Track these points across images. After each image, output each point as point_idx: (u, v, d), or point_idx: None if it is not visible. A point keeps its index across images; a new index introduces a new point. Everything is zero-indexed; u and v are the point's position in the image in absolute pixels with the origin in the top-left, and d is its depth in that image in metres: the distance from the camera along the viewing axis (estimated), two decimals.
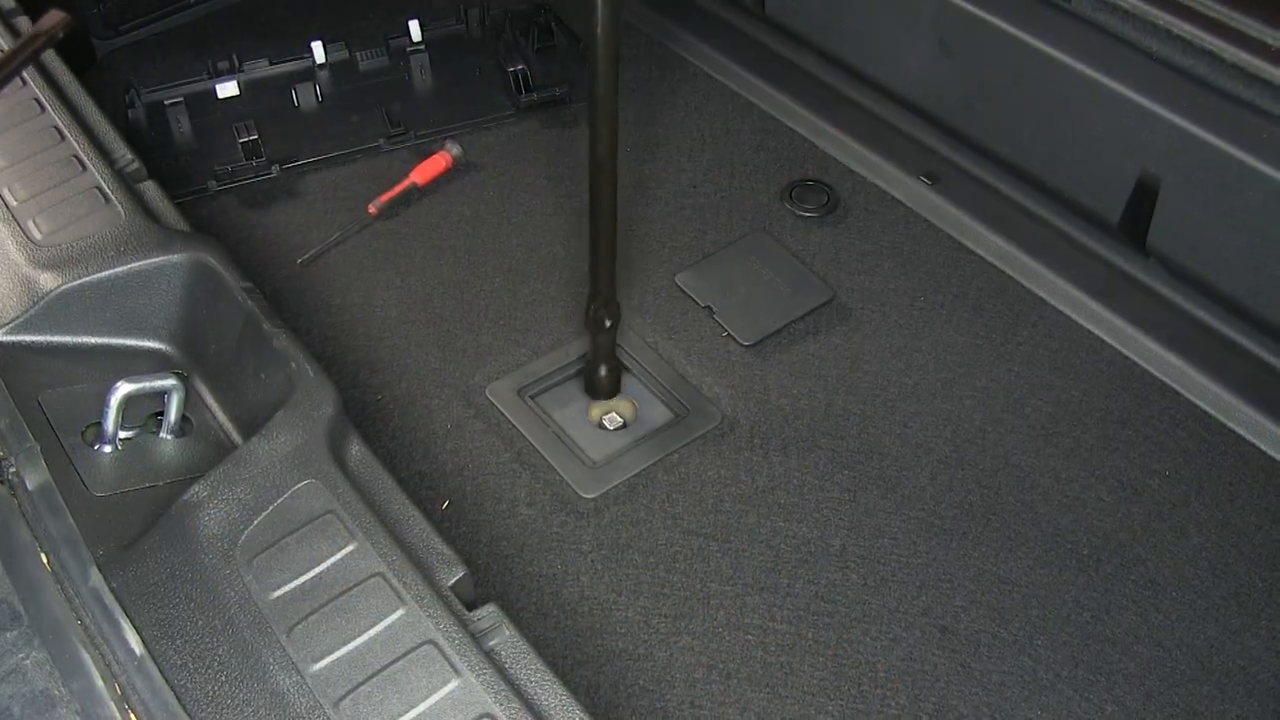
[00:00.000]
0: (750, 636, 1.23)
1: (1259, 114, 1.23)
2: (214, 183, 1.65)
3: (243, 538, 0.94)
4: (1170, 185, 1.33)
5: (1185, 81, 1.28)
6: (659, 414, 1.44)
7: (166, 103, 1.71)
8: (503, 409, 1.41)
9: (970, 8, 1.44)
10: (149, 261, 1.13)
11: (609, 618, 1.25)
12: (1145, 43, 1.30)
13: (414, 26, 1.82)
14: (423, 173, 1.66)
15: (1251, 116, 1.24)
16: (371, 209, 1.63)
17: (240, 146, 1.65)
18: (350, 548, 0.93)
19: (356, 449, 1.03)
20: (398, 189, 1.64)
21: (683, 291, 1.55)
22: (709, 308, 1.52)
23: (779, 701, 1.19)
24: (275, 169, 1.67)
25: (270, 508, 0.95)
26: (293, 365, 1.04)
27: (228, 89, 1.76)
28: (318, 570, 0.92)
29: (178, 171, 1.65)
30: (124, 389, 1.04)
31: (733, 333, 1.50)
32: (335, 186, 1.68)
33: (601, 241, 1.21)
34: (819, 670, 1.21)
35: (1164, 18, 1.27)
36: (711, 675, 1.20)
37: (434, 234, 1.62)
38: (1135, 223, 1.40)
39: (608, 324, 1.33)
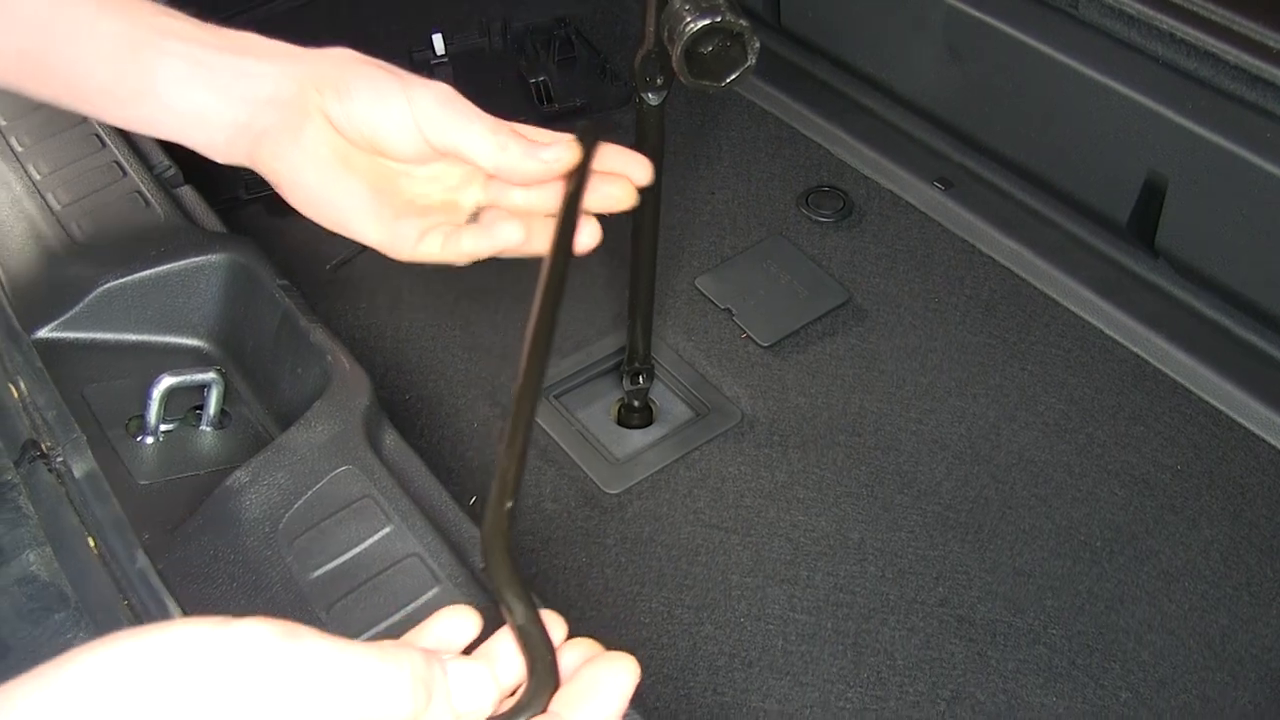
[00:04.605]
0: (771, 626, 1.26)
1: (1262, 114, 1.26)
2: (244, 191, 1.69)
3: (283, 521, 0.97)
4: (1177, 185, 1.36)
5: (1190, 84, 1.32)
6: (680, 412, 1.47)
7: None
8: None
9: (979, 15, 1.47)
10: (188, 261, 1.17)
11: (633, 609, 1.28)
12: (1150, 46, 1.34)
13: (438, 40, 1.87)
14: None
15: (1255, 117, 1.27)
16: None
17: None
18: (387, 530, 0.96)
19: (390, 438, 1.07)
20: None
21: (702, 294, 1.58)
22: (728, 310, 1.56)
23: (800, 689, 1.21)
24: None
25: (309, 492, 0.99)
26: (329, 358, 1.08)
27: None
28: (356, 551, 0.95)
29: (208, 180, 1.69)
30: (166, 381, 1.08)
31: (751, 334, 1.53)
32: None
33: (639, 313, 1.28)
34: (839, 659, 1.24)
35: (1168, 22, 1.30)
36: (734, 664, 1.23)
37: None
38: (1144, 223, 1.43)
39: (642, 380, 1.39)
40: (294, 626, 0.53)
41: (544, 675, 0.60)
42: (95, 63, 0.79)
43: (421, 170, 0.82)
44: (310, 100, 0.79)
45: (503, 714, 0.59)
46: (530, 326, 0.73)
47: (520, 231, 0.79)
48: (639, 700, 1.13)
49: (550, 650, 0.61)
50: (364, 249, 1.68)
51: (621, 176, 0.82)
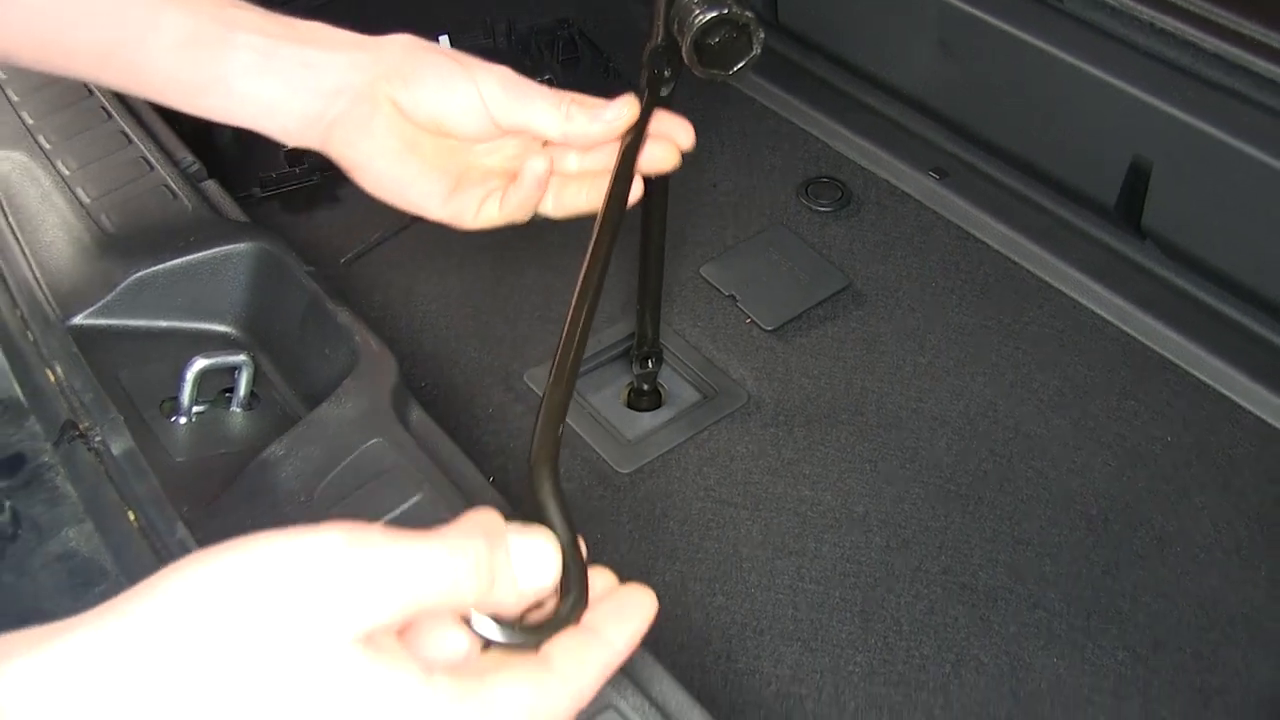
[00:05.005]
0: (781, 596, 1.31)
1: (1239, 99, 1.32)
2: (259, 189, 1.73)
3: (318, 491, 1.02)
4: (1160, 169, 1.42)
5: (1171, 71, 1.38)
6: (688, 395, 1.52)
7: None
8: (540, 393, 1.49)
9: (970, 9, 1.53)
10: (216, 250, 1.22)
11: (648, 581, 1.29)
12: (1132, 37, 1.40)
13: (444, 41, 1.92)
14: None
15: (1232, 101, 1.33)
16: None
17: (284, 155, 1.74)
18: (417, 498, 1.01)
19: (416, 414, 1.12)
20: None
21: (707, 282, 1.63)
22: (733, 296, 1.61)
23: (811, 654, 1.26)
24: (317, 176, 1.76)
25: (342, 464, 1.03)
26: (357, 339, 1.13)
27: None
28: (388, 518, 1.00)
29: (224, 179, 1.74)
30: (199, 364, 1.12)
31: (755, 318, 1.58)
32: None
33: (648, 300, 1.35)
34: (847, 625, 1.28)
35: (1148, 13, 1.37)
36: (746, 632, 1.28)
37: (470, 235, 1.70)
38: (1130, 205, 1.49)
39: (651, 364, 1.45)
40: (362, 528, 0.58)
41: (579, 594, 0.65)
42: (166, 55, 0.84)
43: (481, 145, 0.88)
44: (380, 90, 0.84)
45: (540, 624, 0.64)
46: (585, 264, 0.79)
47: (545, 162, 0.85)
48: (655, 669, 1.18)
49: (584, 571, 0.66)
50: (377, 244, 1.74)
51: (666, 138, 0.88)
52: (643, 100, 0.87)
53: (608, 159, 0.89)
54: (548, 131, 0.86)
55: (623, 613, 0.66)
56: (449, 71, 0.86)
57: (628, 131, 0.87)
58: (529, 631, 0.62)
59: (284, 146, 1.73)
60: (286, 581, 0.56)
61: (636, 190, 0.87)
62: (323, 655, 0.56)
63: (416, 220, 1.70)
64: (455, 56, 0.87)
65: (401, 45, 0.87)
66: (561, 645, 0.63)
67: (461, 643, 0.63)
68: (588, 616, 0.65)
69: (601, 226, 0.83)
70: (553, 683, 0.62)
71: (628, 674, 0.91)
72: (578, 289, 0.79)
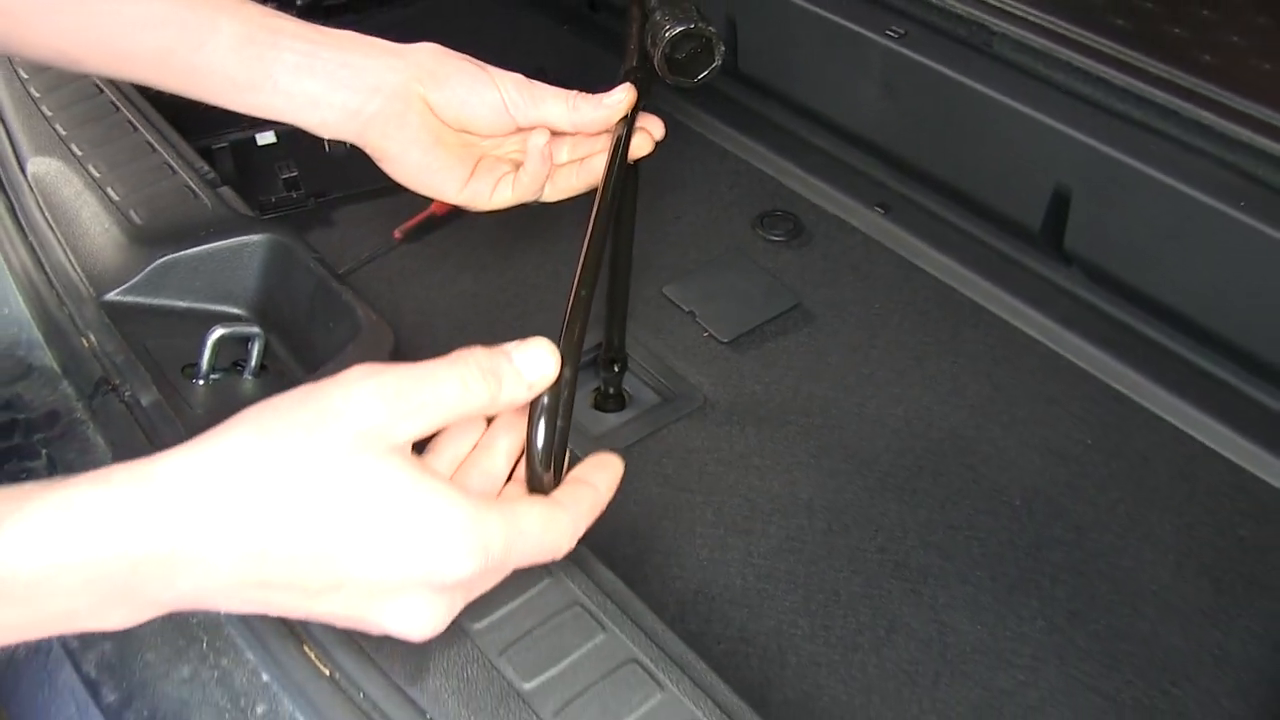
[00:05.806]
0: (731, 569, 1.44)
1: (1145, 129, 1.50)
2: (258, 212, 1.87)
3: None
4: (1079, 194, 1.59)
5: (1086, 106, 1.56)
6: (649, 398, 1.66)
7: (213, 147, 1.91)
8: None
9: (911, 54, 1.71)
10: (233, 241, 1.36)
11: (611, 555, 1.43)
12: (1053, 75, 1.58)
13: None
14: (441, 204, 1.89)
15: (1141, 132, 1.51)
16: (396, 234, 1.86)
17: (281, 181, 1.88)
18: None
19: None
20: (419, 217, 1.87)
21: (669, 300, 1.78)
22: (692, 312, 1.76)
23: (756, 619, 1.39)
24: (312, 201, 1.90)
25: None
26: (359, 312, 1.27)
27: (266, 137, 1.98)
28: None
29: None
30: (218, 332, 1.25)
31: (713, 331, 1.73)
32: (364, 217, 1.92)
33: (616, 311, 1.49)
34: (791, 595, 1.41)
35: (1066, 54, 1.56)
36: (698, 599, 1.40)
37: (452, 255, 1.86)
38: (1054, 229, 1.66)
39: (617, 369, 1.59)
40: (378, 365, 0.72)
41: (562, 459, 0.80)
42: (221, 56, 0.98)
43: (489, 140, 1.04)
44: (413, 90, 1.00)
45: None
46: (592, 214, 0.95)
47: (544, 135, 1.00)
48: (615, 629, 1.29)
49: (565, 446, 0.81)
50: (367, 261, 1.88)
51: (644, 130, 1.05)
52: (639, 87, 1.05)
53: (592, 146, 1.05)
54: (559, 124, 1.02)
55: (602, 466, 0.82)
56: (474, 75, 1.01)
57: (619, 123, 1.03)
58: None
59: (281, 174, 1.89)
60: (328, 410, 0.70)
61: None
62: (374, 469, 0.70)
63: (404, 240, 1.87)
64: (476, 63, 1.03)
65: (430, 51, 1.03)
66: (562, 490, 0.79)
67: (468, 441, 0.78)
68: (576, 471, 0.81)
69: (601, 197, 0.99)
70: (558, 510, 0.77)
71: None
72: (590, 226, 0.95)
